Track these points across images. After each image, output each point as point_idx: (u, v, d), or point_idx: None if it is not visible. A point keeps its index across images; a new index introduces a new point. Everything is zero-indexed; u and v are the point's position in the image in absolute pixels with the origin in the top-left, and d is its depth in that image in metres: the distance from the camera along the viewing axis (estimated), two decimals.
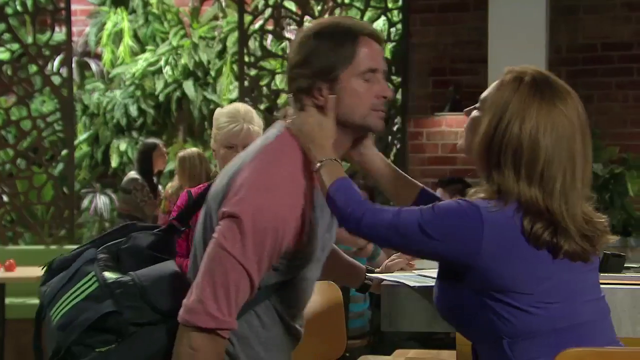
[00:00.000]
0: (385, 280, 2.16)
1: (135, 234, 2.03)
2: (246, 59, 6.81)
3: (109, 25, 8.34)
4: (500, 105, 1.81)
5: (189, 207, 2.18)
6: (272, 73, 7.04)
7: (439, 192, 5.49)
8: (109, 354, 1.86)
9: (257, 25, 6.96)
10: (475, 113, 1.90)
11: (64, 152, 7.11)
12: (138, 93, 8.40)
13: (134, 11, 8.51)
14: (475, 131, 1.85)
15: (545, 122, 1.78)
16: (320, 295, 2.70)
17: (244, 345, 1.96)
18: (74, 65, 7.58)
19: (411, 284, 2.09)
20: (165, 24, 8.56)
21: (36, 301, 2.13)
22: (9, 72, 6.99)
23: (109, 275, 1.92)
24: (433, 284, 2.07)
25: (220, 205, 1.90)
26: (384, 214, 1.86)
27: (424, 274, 2.23)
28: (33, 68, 7.01)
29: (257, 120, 3.07)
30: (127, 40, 8.41)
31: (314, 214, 1.93)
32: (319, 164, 1.91)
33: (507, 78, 1.85)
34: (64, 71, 7.14)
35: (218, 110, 3.13)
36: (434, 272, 2.20)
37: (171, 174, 8.32)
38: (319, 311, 2.68)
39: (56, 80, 6.94)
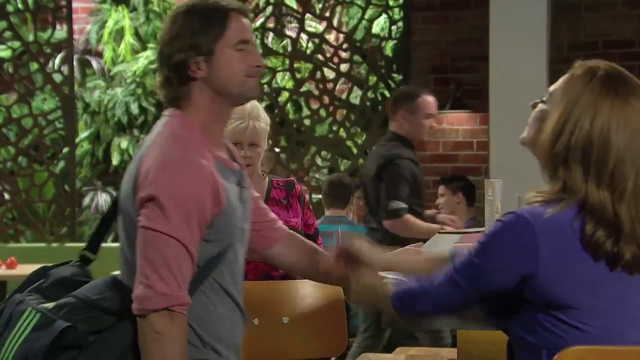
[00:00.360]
0: (386, 277, 2.15)
1: (51, 271, 2.04)
2: None
3: (110, 23, 8.33)
4: (571, 99, 1.74)
5: (99, 234, 2.12)
6: (274, 71, 7.04)
7: (441, 190, 5.49)
8: None
9: (258, 23, 6.95)
10: (542, 106, 1.84)
11: (65, 149, 7.11)
12: (139, 91, 8.38)
13: (135, 9, 8.49)
14: (542, 125, 1.79)
15: (617, 119, 1.70)
16: (321, 293, 2.71)
17: (202, 327, 1.99)
18: (75, 63, 7.57)
19: None
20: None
21: None
22: (10, 70, 6.99)
23: (46, 305, 1.92)
24: None
25: (134, 199, 1.92)
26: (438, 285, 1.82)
27: None
28: (34, 66, 7.01)
29: (264, 117, 3.01)
30: (128, 38, 8.40)
31: (223, 184, 1.97)
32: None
33: (578, 72, 1.78)
34: (65, 69, 7.13)
35: None
36: None
37: None
38: (320, 309, 2.69)
39: (57, 78, 6.94)
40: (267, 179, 3.10)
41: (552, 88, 1.83)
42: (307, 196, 3.15)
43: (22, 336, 1.87)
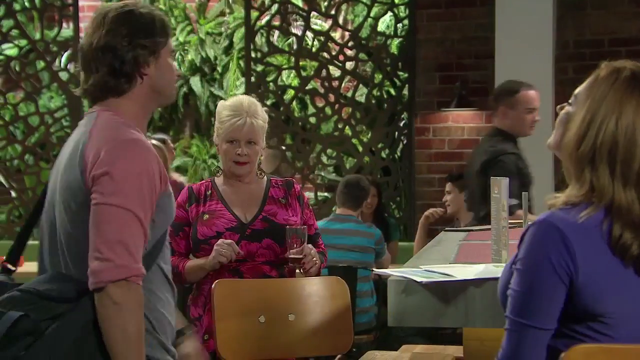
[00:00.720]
0: (393, 275, 2.16)
1: None
2: (253, 54, 6.81)
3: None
4: (595, 100, 1.72)
5: (18, 248, 2.17)
6: (279, 69, 7.04)
7: (448, 187, 5.49)
8: (35, 353, 1.85)
9: (263, 21, 6.96)
10: (568, 108, 1.82)
11: None
12: None
13: None
14: (567, 127, 1.77)
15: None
16: (327, 290, 2.72)
17: (148, 310, 2.00)
18: None
19: (418, 279, 2.09)
20: (172, 20, 8.55)
21: None
22: (17, 68, 7.01)
23: None
24: (440, 279, 2.08)
25: (84, 184, 1.96)
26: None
27: (431, 269, 2.23)
28: (41, 64, 7.03)
29: (262, 114, 3.00)
30: None
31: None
32: None
33: (603, 73, 1.76)
34: (71, 67, 7.15)
35: (221, 104, 3.05)
36: (440, 268, 2.22)
37: (178, 169, 8.33)
38: (327, 307, 2.70)
39: (64, 76, 6.96)
40: (265, 177, 3.09)
41: (577, 90, 1.81)
42: (306, 196, 3.14)
43: None
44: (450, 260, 2.48)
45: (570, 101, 1.83)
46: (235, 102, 3.00)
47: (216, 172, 3.11)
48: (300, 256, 2.81)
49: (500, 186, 2.33)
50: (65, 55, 7.63)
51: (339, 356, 4.37)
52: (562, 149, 1.79)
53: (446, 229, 3.98)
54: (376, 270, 2.46)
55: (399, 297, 2.09)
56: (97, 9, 2.14)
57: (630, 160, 1.69)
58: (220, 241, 2.84)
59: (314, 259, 2.84)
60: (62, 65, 7.37)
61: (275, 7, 6.88)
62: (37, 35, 7.11)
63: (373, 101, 6.93)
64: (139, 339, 1.92)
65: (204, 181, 3.11)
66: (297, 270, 2.95)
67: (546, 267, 1.68)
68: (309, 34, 7.10)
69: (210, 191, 3.02)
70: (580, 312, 1.69)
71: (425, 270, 2.23)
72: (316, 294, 2.73)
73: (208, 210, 2.97)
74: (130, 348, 1.91)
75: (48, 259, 2.05)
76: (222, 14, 8.52)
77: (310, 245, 2.86)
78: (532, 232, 1.72)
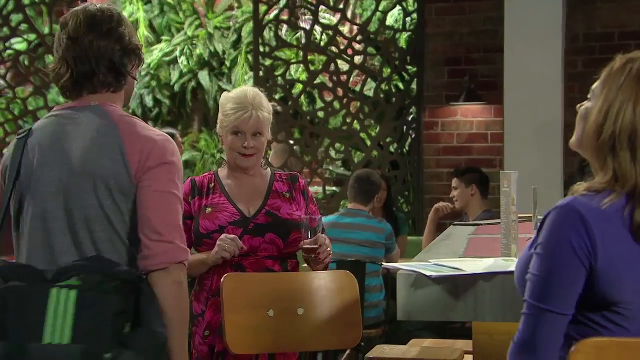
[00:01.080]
0: (402, 269, 2.16)
1: None
2: (261, 48, 6.81)
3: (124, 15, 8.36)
4: (611, 90, 1.74)
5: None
6: (287, 63, 7.03)
7: (454, 182, 5.48)
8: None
9: (272, 15, 6.95)
10: (586, 103, 1.83)
11: None
12: (153, 83, 8.42)
13: (149, 1, 8.52)
14: (586, 120, 1.79)
15: None
16: (336, 284, 2.71)
17: None
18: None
19: (428, 273, 2.09)
20: (181, 14, 8.56)
21: None
22: (26, 63, 7.02)
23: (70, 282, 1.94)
24: (449, 273, 2.08)
25: (130, 174, 2.08)
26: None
27: (440, 263, 2.23)
28: (49, 58, 7.03)
29: (267, 105, 2.96)
30: (143, 30, 8.43)
31: None
32: None
33: (617, 64, 1.78)
34: None
35: (225, 95, 3.00)
36: (450, 262, 2.21)
37: (186, 164, 8.34)
38: (335, 301, 2.69)
39: None
40: (269, 171, 3.05)
41: (593, 85, 1.82)
42: (311, 191, 3.09)
43: (68, 315, 1.87)
44: (459, 254, 2.47)
45: (588, 96, 1.84)
46: (239, 93, 2.96)
47: (220, 164, 3.09)
48: (316, 246, 2.77)
49: (510, 180, 2.32)
50: None
51: (348, 350, 4.36)
52: (583, 142, 1.79)
53: (455, 223, 3.98)
54: (385, 264, 2.46)
55: (408, 291, 2.08)
56: (80, 10, 2.21)
57: None
58: (223, 236, 2.79)
59: (328, 249, 2.82)
60: None
61: (283, 1, 6.87)
62: (46, 30, 7.12)
63: (381, 95, 6.91)
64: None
65: (206, 174, 3.06)
66: (304, 264, 2.93)
67: (566, 250, 1.68)
68: (317, 28, 7.09)
69: (213, 184, 2.97)
70: (598, 299, 1.69)
71: (435, 264, 2.23)
72: (325, 288, 2.72)
73: (211, 203, 2.92)
74: (187, 324, 2.08)
75: (63, 243, 2.07)
76: (231, 8, 8.53)
77: (324, 235, 2.83)
78: (553, 216, 1.72)
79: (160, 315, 1.96)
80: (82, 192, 2.08)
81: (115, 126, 2.12)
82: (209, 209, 2.90)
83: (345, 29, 7.31)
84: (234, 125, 2.90)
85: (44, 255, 2.08)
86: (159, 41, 8.52)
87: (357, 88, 7.10)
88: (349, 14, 7.31)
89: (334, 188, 7.54)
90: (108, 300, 1.88)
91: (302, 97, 7.39)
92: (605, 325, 1.70)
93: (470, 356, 2.91)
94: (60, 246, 2.07)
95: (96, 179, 2.08)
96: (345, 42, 6.92)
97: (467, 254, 2.49)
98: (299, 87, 7.38)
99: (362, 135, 6.98)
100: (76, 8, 2.23)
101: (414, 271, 2.11)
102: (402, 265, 2.22)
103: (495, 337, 2.33)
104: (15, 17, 7.00)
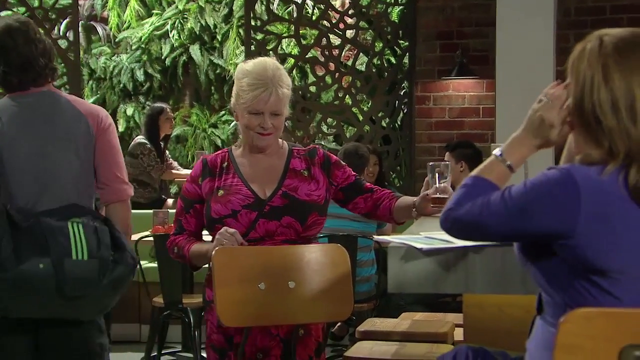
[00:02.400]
0: (393, 242, 2.16)
1: None
2: (252, 23, 6.77)
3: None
4: (580, 67, 1.77)
5: None
6: (279, 37, 7.00)
7: (446, 157, 5.48)
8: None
9: None
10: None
11: None
12: (144, 57, 8.37)
13: None
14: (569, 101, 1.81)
15: (632, 69, 1.72)
16: (328, 258, 2.71)
17: None
18: (80, 29, 7.54)
19: (418, 245, 2.09)
20: None
21: None
22: None
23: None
24: (440, 245, 2.08)
25: (93, 135, 2.78)
26: (478, 199, 1.80)
27: (431, 235, 2.23)
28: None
29: (287, 80, 2.74)
30: (134, 4, 8.37)
31: None
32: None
33: (583, 45, 1.80)
34: (70, 35, 7.10)
35: (241, 68, 2.76)
36: (441, 235, 2.21)
37: (178, 139, 8.32)
38: (327, 274, 2.69)
39: (63, 44, 6.91)
40: (286, 147, 2.85)
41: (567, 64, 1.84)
42: (334, 157, 2.87)
43: (83, 240, 2.60)
44: None
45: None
46: (258, 68, 2.72)
47: (236, 141, 2.88)
48: (447, 195, 2.53)
49: None
50: (64, 22, 7.60)
51: (339, 323, 4.39)
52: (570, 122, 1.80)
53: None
54: (376, 238, 2.46)
55: (399, 264, 2.09)
56: (20, 21, 2.78)
57: (633, 101, 1.71)
58: (223, 229, 2.64)
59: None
60: (61, 33, 7.33)
61: None
62: (36, 3, 7.06)
63: (373, 70, 6.89)
64: None
65: (219, 152, 2.87)
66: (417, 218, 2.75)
67: (546, 206, 1.70)
68: (309, 2, 7.06)
69: (226, 163, 2.79)
70: (583, 265, 1.69)
71: (426, 237, 2.23)
72: (316, 262, 2.71)
73: (223, 185, 2.75)
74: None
75: (46, 193, 2.70)
76: None
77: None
78: (549, 173, 1.73)
79: (128, 241, 2.73)
80: (63, 153, 2.74)
81: (72, 104, 2.79)
82: (221, 192, 2.74)
83: (337, 2, 7.28)
84: (252, 105, 2.69)
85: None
86: (150, 15, 8.47)
87: (349, 62, 7.08)
88: None
89: None
90: (103, 231, 2.65)
91: (294, 71, 7.36)
92: (594, 294, 1.70)
93: (461, 329, 2.93)
94: (30, 193, 2.71)
95: (70, 144, 2.75)
96: (337, 16, 6.88)
97: None
98: (290, 61, 7.35)
99: (354, 110, 6.96)
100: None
101: (405, 244, 2.11)
102: (393, 238, 2.22)
103: (486, 310, 2.35)
104: None
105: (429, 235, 2.24)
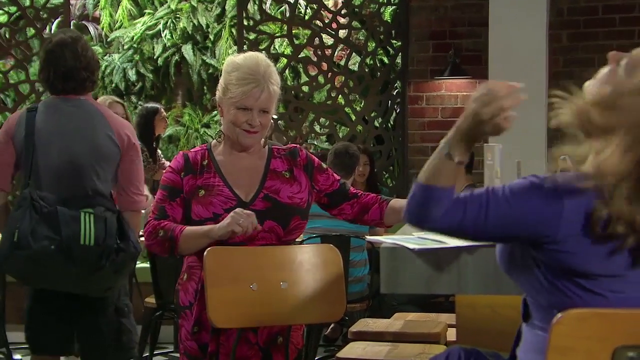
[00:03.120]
0: (385, 242, 2.15)
1: None
2: (245, 22, 6.75)
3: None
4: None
5: None
6: (272, 37, 6.98)
7: None
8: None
9: None
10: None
11: None
12: (137, 57, 8.34)
13: None
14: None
15: None
16: (320, 258, 2.70)
17: None
18: (71, 28, 7.50)
19: (411, 246, 2.09)
20: None
21: None
22: (7, 35, 6.93)
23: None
24: (433, 246, 2.07)
25: (119, 149, 3.21)
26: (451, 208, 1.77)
27: (423, 236, 2.23)
28: (31, 31, 6.95)
29: (277, 78, 2.65)
30: (126, 4, 8.34)
31: None
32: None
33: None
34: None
35: (231, 61, 2.68)
36: (433, 235, 2.20)
37: (170, 139, 8.29)
38: (320, 275, 2.68)
39: None
40: (266, 147, 2.75)
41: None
42: (317, 160, 2.78)
43: (92, 229, 3.01)
44: None
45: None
46: (250, 62, 2.62)
47: (218, 137, 2.76)
48: None
49: (493, 153, 2.32)
50: (56, 22, 7.57)
51: (332, 325, 4.37)
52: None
53: None
54: (369, 238, 2.45)
55: (391, 265, 2.08)
56: (72, 37, 3.18)
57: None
58: (238, 209, 2.52)
59: None
60: (53, 32, 7.30)
61: None
62: (27, 2, 7.02)
63: (366, 70, 6.88)
64: None
65: (198, 148, 2.74)
66: None
67: (528, 211, 1.68)
68: (302, 2, 7.04)
69: (206, 161, 2.68)
70: (565, 268, 1.68)
71: (418, 238, 2.22)
72: (309, 262, 2.70)
73: (204, 184, 2.64)
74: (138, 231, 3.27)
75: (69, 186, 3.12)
76: None
77: None
78: (534, 178, 1.71)
79: (133, 233, 3.13)
80: (84, 159, 3.18)
81: (104, 116, 3.22)
82: (202, 192, 2.63)
83: (330, 2, 7.27)
84: (241, 101, 2.59)
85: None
86: (142, 15, 8.44)
87: (342, 62, 7.06)
88: None
89: None
90: (111, 222, 3.05)
91: (287, 71, 7.34)
92: (580, 295, 1.69)
93: (454, 329, 2.92)
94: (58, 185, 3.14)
95: (95, 154, 3.19)
96: (330, 16, 6.87)
97: None
98: (283, 61, 7.33)
99: (347, 109, 6.95)
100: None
101: (398, 244, 2.11)
102: (386, 238, 2.21)
103: (478, 310, 2.34)
104: None
105: (421, 236, 2.24)
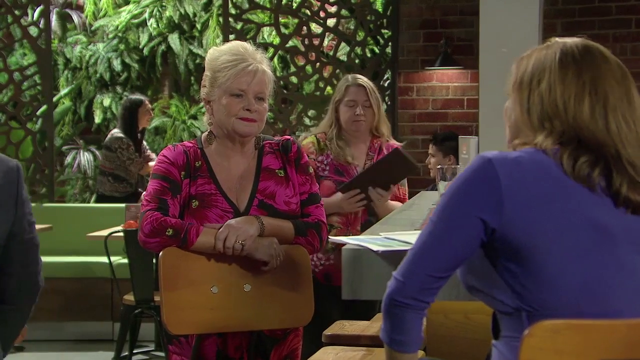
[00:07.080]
0: (348, 243, 1.97)
1: None
2: (232, 11, 6.58)
3: None
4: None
5: None
6: (259, 26, 6.82)
7: (432, 150, 5.30)
8: None
9: None
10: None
11: (44, 107, 6.89)
12: (122, 47, 8.17)
13: None
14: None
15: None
16: (287, 260, 2.52)
17: None
18: (54, 17, 7.33)
19: (375, 248, 1.91)
20: None
21: None
22: None
23: None
24: (400, 248, 1.90)
25: None
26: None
27: (391, 236, 2.04)
28: (9, 19, 6.76)
29: (267, 61, 2.47)
30: None
31: None
32: None
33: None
34: (42, 23, 6.88)
35: (214, 51, 2.47)
36: (401, 235, 2.03)
37: (156, 130, 8.13)
38: (287, 277, 2.51)
39: (34, 31, 6.69)
40: (259, 143, 2.54)
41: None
42: (306, 157, 2.57)
43: None
44: (416, 227, 2.29)
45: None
46: (235, 45, 2.45)
47: (208, 138, 2.53)
48: None
49: (469, 146, 2.14)
50: (38, 10, 7.37)
51: (300, 328, 4.16)
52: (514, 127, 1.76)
53: (426, 190, 3.82)
54: (332, 238, 2.27)
55: (353, 267, 1.91)
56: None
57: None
58: (273, 240, 2.42)
59: None
60: (35, 19, 7.09)
61: None
62: None
63: (356, 60, 6.72)
64: None
65: (190, 145, 2.50)
66: None
67: (469, 198, 1.59)
68: None
69: (199, 162, 2.46)
70: (514, 252, 1.56)
71: (385, 238, 2.05)
72: None
73: (197, 193, 2.42)
74: None
75: None
76: None
77: None
78: (469, 164, 1.64)
79: None
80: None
81: None
82: (195, 203, 2.42)
83: None
84: (234, 84, 2.36)
85: None
86: (127, 3, 8.27)
87: (331, 52, 6.90)
88: None
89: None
90: None
91: (275, 61, 7.17)
92: (537, 280, 1.55)
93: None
94: None
95: None
96: (318, 4, 6.69)
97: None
98: (271, 51, 7.16)
99: None
100: None
101: (361, 246, 1.93)
102: (349, 239, 2.04)
103: (450, 317, 2.19)
104: None
105: (388, 236, 2.05)
